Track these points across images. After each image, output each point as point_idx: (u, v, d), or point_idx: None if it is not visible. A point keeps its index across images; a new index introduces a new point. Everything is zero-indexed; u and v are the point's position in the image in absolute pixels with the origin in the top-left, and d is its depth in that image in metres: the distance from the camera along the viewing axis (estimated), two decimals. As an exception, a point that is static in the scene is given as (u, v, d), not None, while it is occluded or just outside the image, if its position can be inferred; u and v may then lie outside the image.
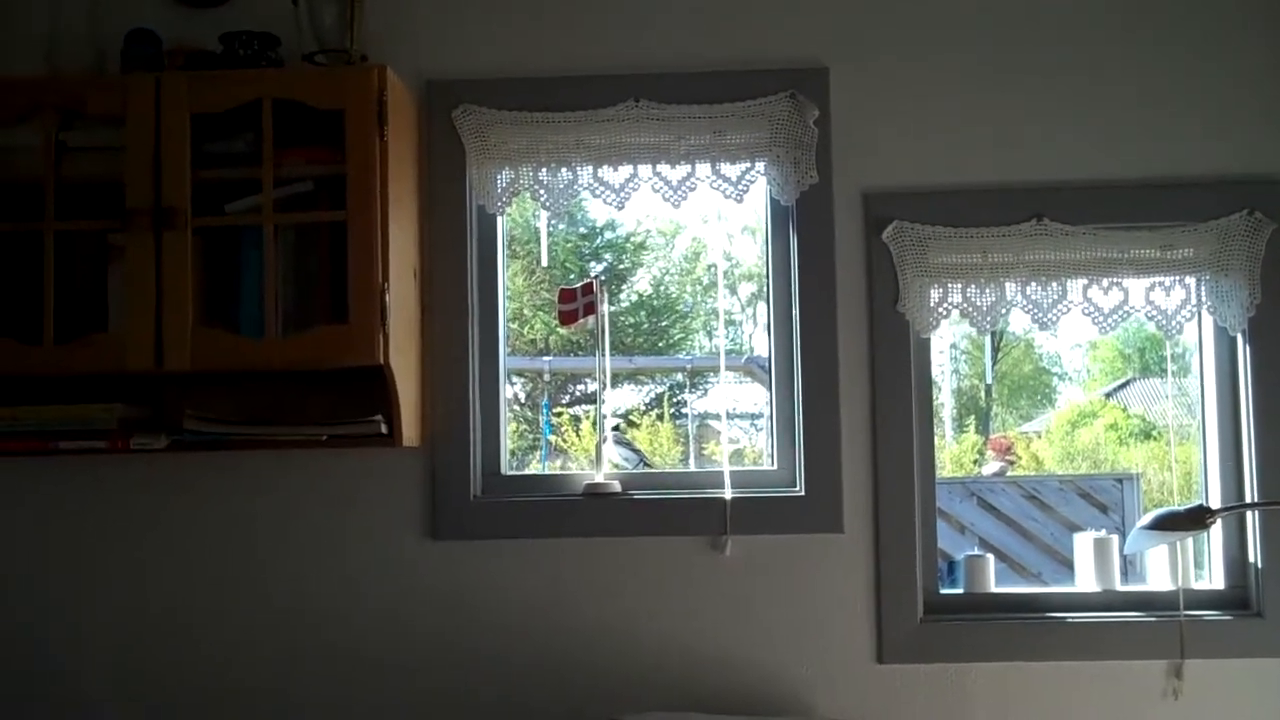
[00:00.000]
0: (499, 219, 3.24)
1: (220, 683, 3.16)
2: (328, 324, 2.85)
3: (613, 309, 5.21)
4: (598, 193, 3.16)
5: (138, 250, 2.81)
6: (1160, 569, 3.21)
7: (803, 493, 3.14)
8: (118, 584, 3.18)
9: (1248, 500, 3.12)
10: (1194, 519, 2.95)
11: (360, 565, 3.16)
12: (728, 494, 3.12)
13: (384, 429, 2.92)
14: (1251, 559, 3.13)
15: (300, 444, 2.96)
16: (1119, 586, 3.19)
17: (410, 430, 2.99)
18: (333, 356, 2.82)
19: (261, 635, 3.17)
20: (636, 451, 3.50)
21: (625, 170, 3.16)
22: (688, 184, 3.15)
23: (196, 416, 2.95)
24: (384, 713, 3.15)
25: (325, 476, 3.17)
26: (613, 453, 3.42)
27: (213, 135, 2.87)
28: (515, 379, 5.83)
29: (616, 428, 3.45)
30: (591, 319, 3.23)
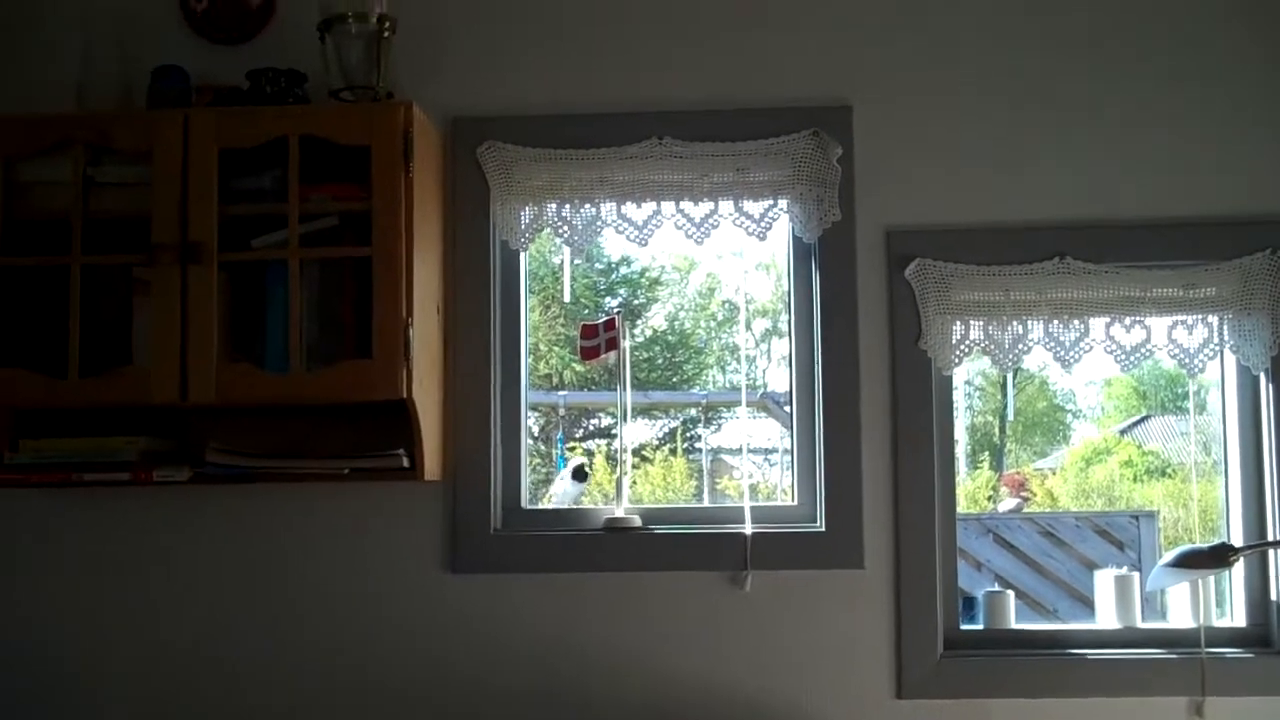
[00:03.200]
0: (522, 255, 3.25)
1: (239, 713, 3.16)
2: (352, 359, 2.86)
3: (628, 344, 5.22)
4: (621, 229, 3.17)
5: (164, 285, 2.82)
6: (1181, 606, 3.21)
7: (823, 528, 3.14)
8: (140, 616, 3.18)
9: (1269, 538, 3.11)
10: (1217, 557, 2.95)
11: (380, 597, 3.17)
12: (748, 529, 3.12)
13: (406, 463, 2.93)
14: (1273, 596, 3.12)
15: (322, 477, 2.97)
16: (1140, 624, 3.19)
17: (432, 464, 3.00)
18: (357, 391, 2.83)
19: (282, 667, 3.16)
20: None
21: (649, 207, 3.17)
22: (710, 221, 3.16)
23: (220, 449, 2.97)
24: (403, 747, 3.15)
25: (347, 510, 3.18)
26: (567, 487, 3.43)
27: (239, 171, 2.89)
28: (530, 413, 5.83)
29: (581, 469, 3.45)
30: (613, 355, 3.23)
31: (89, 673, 3.18)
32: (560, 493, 3.43)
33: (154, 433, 3.04)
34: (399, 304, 2.81)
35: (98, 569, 3.20)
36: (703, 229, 3.16)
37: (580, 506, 3.32)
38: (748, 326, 5.00)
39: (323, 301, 2.93)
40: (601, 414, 5.61)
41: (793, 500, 3.23)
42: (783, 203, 3.15)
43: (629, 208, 3.17)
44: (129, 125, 2.90)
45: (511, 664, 3.14)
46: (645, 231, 3.16)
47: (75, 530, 3.20)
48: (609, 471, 3.63)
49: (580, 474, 3.43)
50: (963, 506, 6.71)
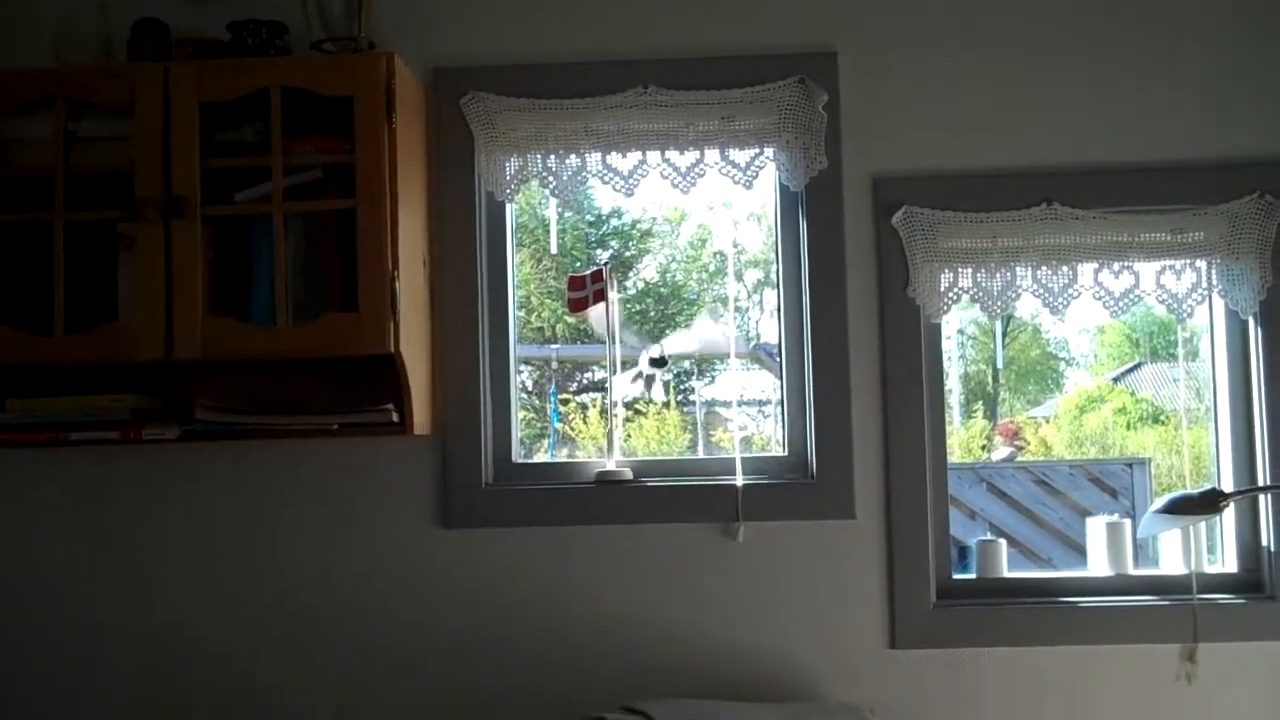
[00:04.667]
0: (508, 206, 3.24)
1: (231, 671, 3.17)
2: (338, 313, 2.84)
3: (619, 296, 5.20)
4: (606, 179, 3.15)
5: (147, 240, 2.81)
6: (1173, 553, 3.21)
7: (815, 479, 3.14)
8: (130, 574, 3.18)
9: (1260, 484, 3.11)
10: (1207, 503, 2.95)
11: (371, 553, 3.17)
12: (739, 480, 3.12)
13: (395, 417, 2.92)
14: (1264, 542, 3.13)
15: (312, 433, 2.96)
16: (1131, 571, 3.19)
17: (421, 418, 2.99)
18: (343, 345, 2.81)
19: (273, 624, 3.17)
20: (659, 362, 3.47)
21: (634, 157, 3.15)
22: (696, 170, 3.14)
23: (208, 406, 2.95)
24: (395, 699, 3.15)
25: (336, 466, 3.17)
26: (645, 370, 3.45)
27: (222, 124, 2.87)
28: (522, 367, 5.82)
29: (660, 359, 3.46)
30: (601, 306, 3.22)
31: (80, 633, 3.18)
32: (637, 382, 3.44)
33: (141, 390, 3.03)
34: (384, 257, 2.79)
35: (87, 529, 3.19)
36: (688, 178, 3.14)
37: (579, 459, 3.32)
38: (738, 277, 4.98)
39: (308, 255, 2.90)
40: (595, 367, 5.59)
41: (784, 451, 3.23)
42: (769, 151, 3.13)
43: (614, 157, 3.15)
44: (110, 79, 2.87)
45: (503, 617, 3.15)
46: (631, 181, 3.14)
47: (64, 490, 3.20)
48: (601, 425, 3.61)
49: (660, 361, 3.44)
50: (957, 456, 6.73)
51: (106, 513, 3.19)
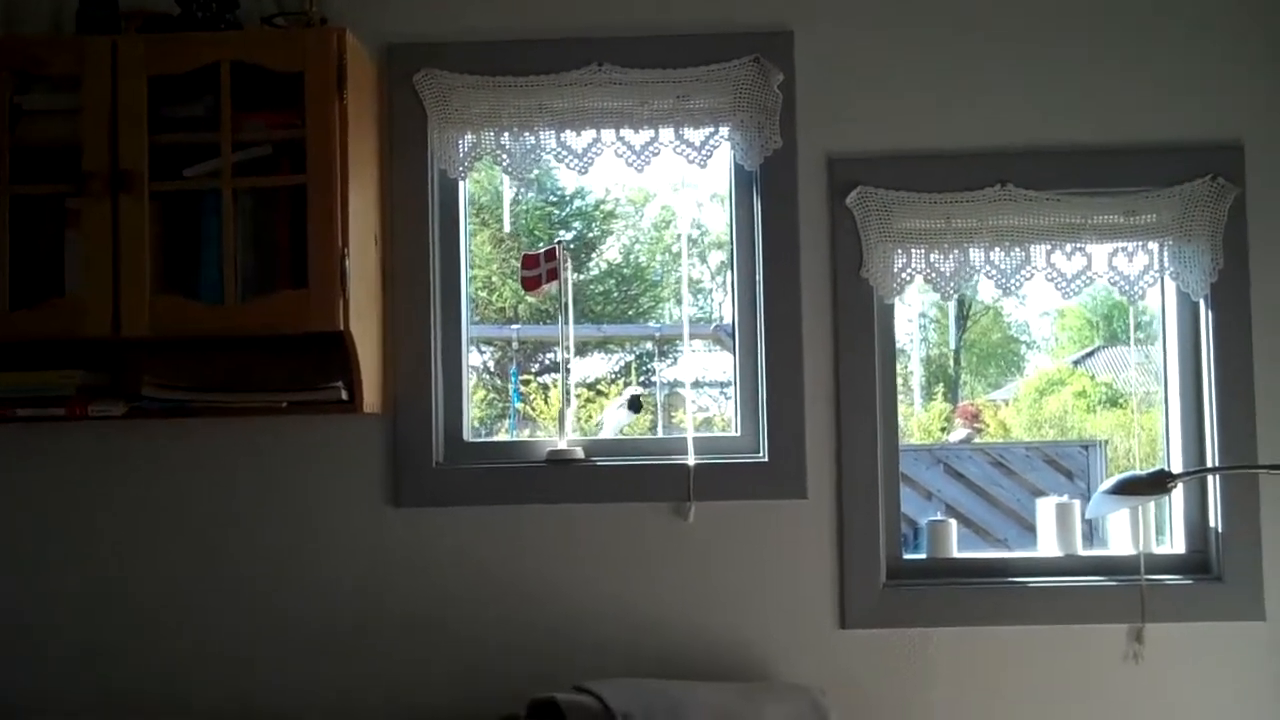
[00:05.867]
0: (461, 184, 3.22)
1: (180, 648, 3.15)
2: (287, 290, 2.82)
3: (582, 277, 5.19)
4: (560, 157, 3.14)
5: (94, 214, 2.78)
6: (1122, 534, 3.23)
7: (766, 458, 3.14)
8: (77, 552, 3.16)
9: (1209, 465, 3.13)
10: (1155, 483, 2.96)
11: (322, 532, 3.15)
12: (691, 460, 3.12)
13: (345, 395, 2.91)
14: (1212, 524, 3.14)
15: (260, 411, 2.94)
16: (1081, 551, 3.21)
17: (371, 396, 2.98)
18: (292, 322, 2.80)
19: (222, 602, 3.15)
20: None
21: (588, 135, 3.13)
22: (651, 149, 3.13)
23: (156, 383, 2.94)
24: (344, 678, 3.14)
25: (287, 444, 3.15)
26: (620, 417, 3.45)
27: (171, 99, 2.84)
28: (485, 348, 5.81)
29: (636, 399, 3.48)
30: (555, 285, 3.21)
31: (26, 610, 3.16)
32: (612, 422, 3.44)
33: (89, 367, 3.00)
34: (334, 233, 2.77)
35: (32, 506, 3.17)
36: (643, 157, 3.13)
37: (530, 438, 3.31)
38: (701, 259, 4.98)
39: (257, 232, 2.88)
40: (557, 348, 5.60)
41: (736, 431, 3.23)
42: (724, 130, 3.12)
43: (569, 136, 3.13)
44: (57, 51, 2.84)
45: (454, 596, 3.14)
46: (585, 160, 3.13)
47: (10, 467, 3.17)
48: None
49: (635, 404, 3.43)
50: (918, 438, 6.75)
51: (53, 489, 3.17)
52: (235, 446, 3.15)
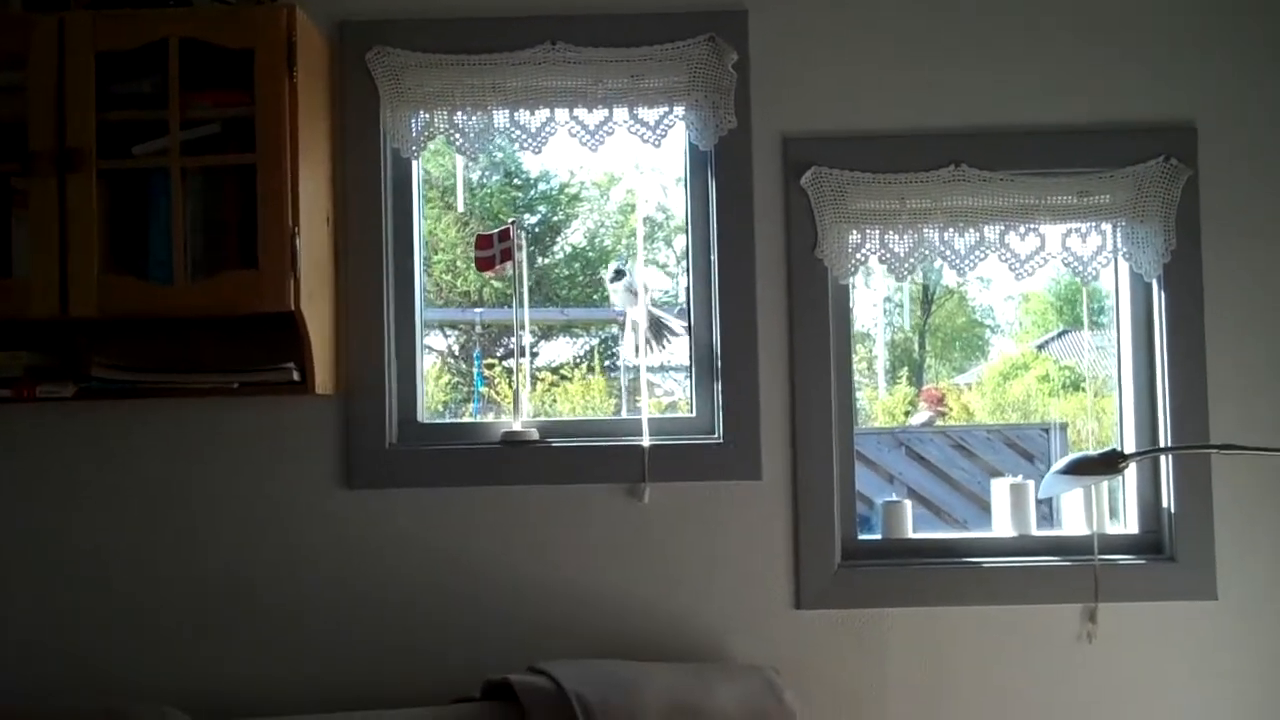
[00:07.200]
0: (414, 163, 3.20)
1: (131, 630, 3.13)
2: (238, 270, 2.80)
3: (546, 261, 5.17)
4: (514, 137, 3.12)
5: (41, 193, 2.75)
6: (1075, 514, 3.24)
7: (721, 439, 3.13)
8: (26, 535, 3.13)
9: (1161, 445, 3.14)
10: (1107, 463, 2.97)
11: (273, 514, 3.13)
12: (646, 441, 3.11)
13: (296, 376, 2.89)
14: (1165, 504, 3.15)
15: (212, 392, 2.92)
16: (1035, 532, 3.22)
17: (324, 377, 2.96)
18: (243, 302, 2.77)
19: (174, 586, 3.13)
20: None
21: (542, 114, 3.12)
22: (605, 128, 3.11)
23: (105, 364, 2.91)
24: (296, 661, 3.13)
25: (239, 425, 3.13)
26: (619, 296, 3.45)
27: (119, 76, 2.81)
28: (449, 331, 5.79)
29: (619, 272, 3.47)
30: (509, 266, 3.19)
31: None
32: (618, 302, 3.45)
33: (38, 349, 2.97)
34: (284, 213, 2.75)
35: (-18, 486, 3.15)
36: (597, 136, 3.11)
37: (485, 420, 3.29)
38: (666, 243, 4.97)
39: (207, 211, 2.86)
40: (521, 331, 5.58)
41: (691, 412, 3.22)
42: (678, 110, 3.11)
43: (522, 115, 3.11)
44: (3, 28, 2.80)
45: (407, 578, 3.13)
46: (539, 139, 3.11)
47: (-41, 447, 3.15)
48: (527, 390, 3.59)
49: (619, 275, 3.43)
50: (882, 421, 6.75)
51: (3, 471, 3.14)
52: (186, 428, 3.13)
